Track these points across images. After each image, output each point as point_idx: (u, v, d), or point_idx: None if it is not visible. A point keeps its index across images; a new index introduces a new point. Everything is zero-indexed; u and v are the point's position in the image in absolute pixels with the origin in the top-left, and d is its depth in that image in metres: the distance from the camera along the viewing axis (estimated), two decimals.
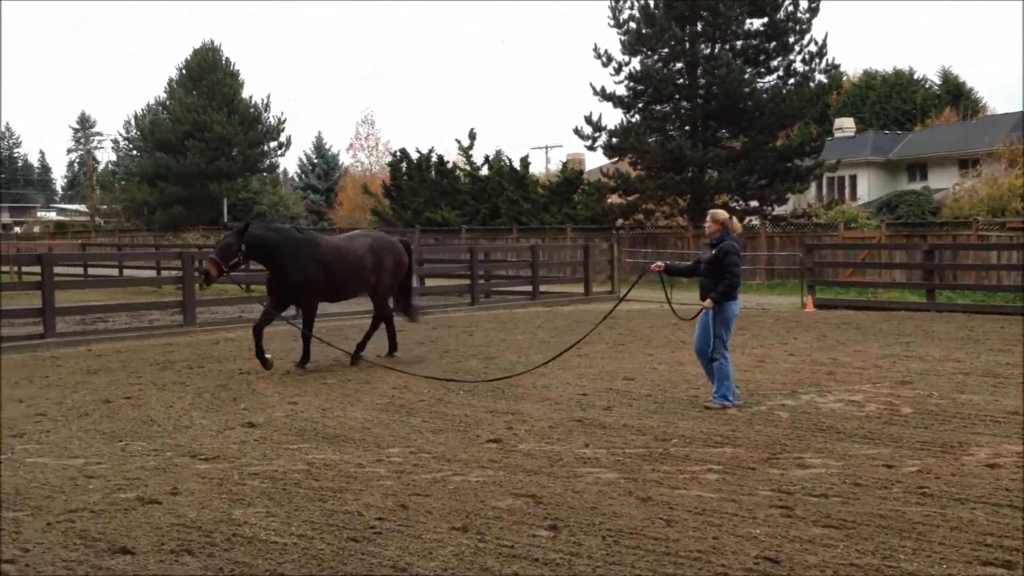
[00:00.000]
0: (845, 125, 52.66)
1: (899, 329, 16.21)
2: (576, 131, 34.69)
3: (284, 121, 61.36)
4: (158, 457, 7.58)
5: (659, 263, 10.03)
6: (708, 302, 9.34)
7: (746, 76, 32.66)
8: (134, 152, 67.83)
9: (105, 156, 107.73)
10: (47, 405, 9.84)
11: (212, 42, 60.71)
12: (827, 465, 7.12)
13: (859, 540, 5.43)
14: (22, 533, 5.69)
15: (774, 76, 34.55)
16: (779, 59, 34.24)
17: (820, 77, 34.26)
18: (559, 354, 11.62)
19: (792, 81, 34.00)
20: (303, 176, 71.50)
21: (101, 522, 5.89)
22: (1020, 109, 50.58)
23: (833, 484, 6.59)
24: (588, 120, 34.41)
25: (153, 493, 6.50)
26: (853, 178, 47.60)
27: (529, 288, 24.09)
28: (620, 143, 34.27)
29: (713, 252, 9.44)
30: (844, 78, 59.85)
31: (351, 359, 12.59)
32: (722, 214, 9.68)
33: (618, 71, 34.48)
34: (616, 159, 36.82)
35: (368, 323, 13.64)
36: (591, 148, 35.29)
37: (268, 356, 11.83)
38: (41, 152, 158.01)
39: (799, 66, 34.09)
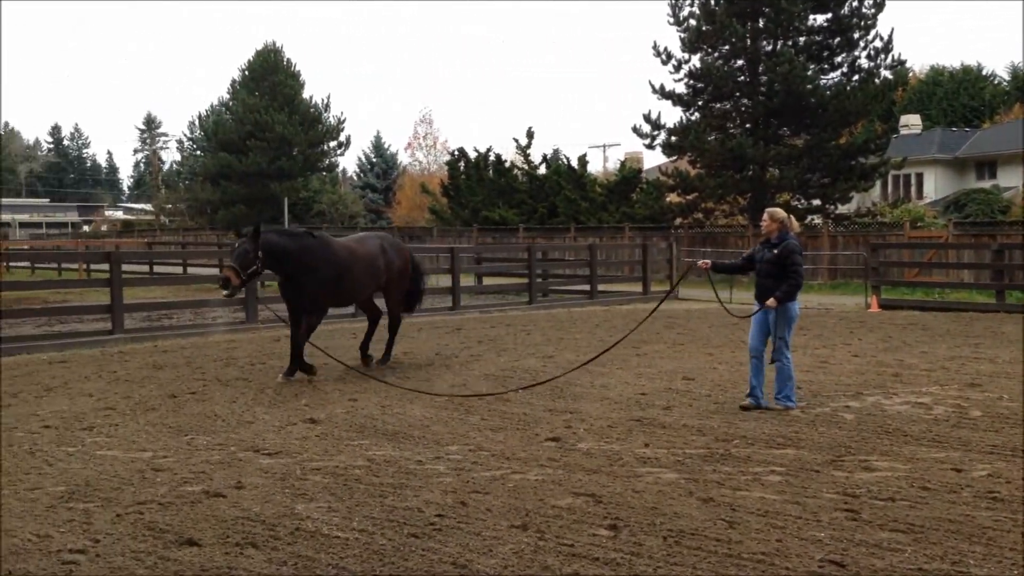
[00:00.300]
0: (911, 122, 51.59)
1: (967, 330, 15.83)
2: (635, 129, 34.53)
3: (344, 121, 61.91)
4: (222, 451, 7.71)
5: (705, 260, 9.91)
6: (772, 302, 9.17)
7: (809, 73, 32.19)
8: (198, 152, 69.15)
9: (170, 156, 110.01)
10: (115, 399, 10.07)
11: (274, 43, 61.68)
12: (894, 468, 6.98)
13: (927, 545, 5.31)
14: (92, 524, 5.82)
15: (838, 73, 34.01)
16: (843, 55, 33.69)
17: (886, 73, 33.61)
18: (583, 363, 11.56)
19: (856, 78, 33.41)
20: (362, 175, 72.23)
21: (168, 514, 6.00)
22: None
23: (900, 488, 6.45)
24: (647, 118, 34.23)
25: (218, 486, 6.61)
26: (919, 176, 46.62)
27: (587, 287, 24.02)
28: (679, 141, 34.01)
29: (775, 251, 9.29)
30: (910, 74, 58.50)
31: (382, 361, 12.46)
32: (780, 212, 9.54)
33: (678, 69, 34.24)
34: (675, 157, 36.55)
35: (364, 325, 13.27)
36: (650, 147, 35.09)
37: (309, 363, 11.43)
38: (109, 152, 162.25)
39: (864, 62, 33.52)
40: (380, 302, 13.11)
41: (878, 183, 38.79)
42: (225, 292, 10.88)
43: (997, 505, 6.02)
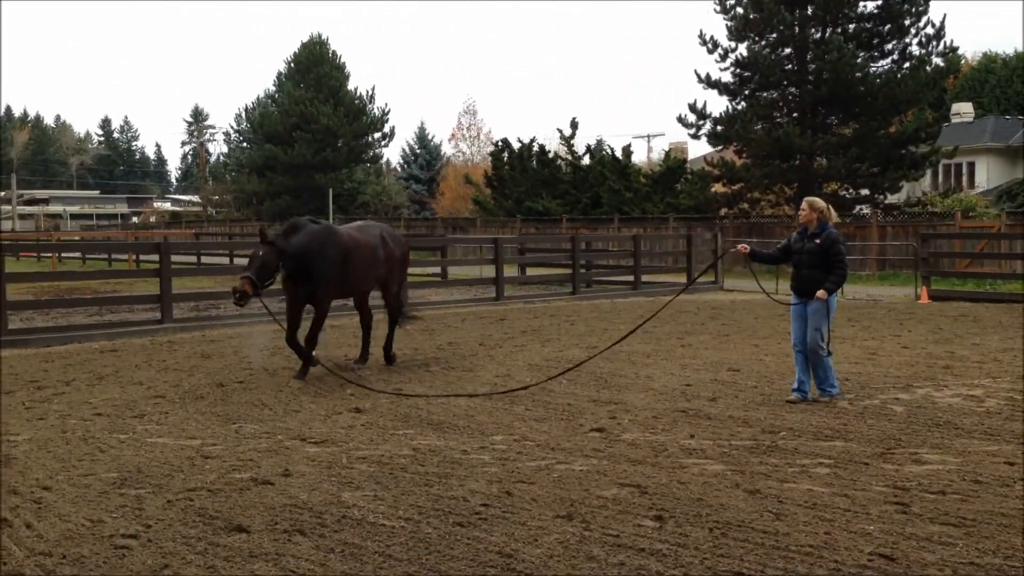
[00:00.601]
0: (963, 110, 50.55)
1: (1020, 322, 15.50)
2: (679, 119, 34.30)
3: (388, 112, 62.14)
4: (270, 440, 7.80)
5: (744, 244, 9.74)
6: (821, 294, 9.01)
7: (858, 60, 31.69)
8: (244, 144, 69.79)
9: (217, 148, 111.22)
10: (165, 388, 10.22)
11: (319, 35, 62.00)
12: (945, 461, 6.86)
13: (979, 539, 5.22)
14: (144, 510, 5.92)
15: (888, 60, 33.50)
16: (894, 42, 33.14)
17: (937, 60, 33.02)
18: (589, 358, 11.50)
19: (907, 65, 32.87)
20: (406, 166, 72.53)
21: (217, 501, 6.09)
22: None
23: (951, 481, 6.35)
24: (692, 108, 33.97)
25: (266, 474, 6.69)
26: (971, 165, 45.70)
27: (631, 278, 23.91)
28: (725, 131, 33.72)
29: (817, 242, 9.14)
30: (963, 61, 57.44)
31: (386, 360, 11.80)
32: (820, 202, 9.40)
33: (724, 57, 33.93)
34: (721, 147, 36.23)
35: (355, 322, 12.92)
36: (695, 136, 34.84)
37: (314, 354, 10.89)
38: (157, 145, 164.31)
39: (915, 49, 32.98)
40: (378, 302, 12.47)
41: (928, 172, 38.13)
42: (240, 305, 10.40)
43: None
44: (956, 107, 50.95)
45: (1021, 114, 52.02)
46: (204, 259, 34.33)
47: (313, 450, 7.43)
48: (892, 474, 6.55)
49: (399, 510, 5.89)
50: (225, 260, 33.95)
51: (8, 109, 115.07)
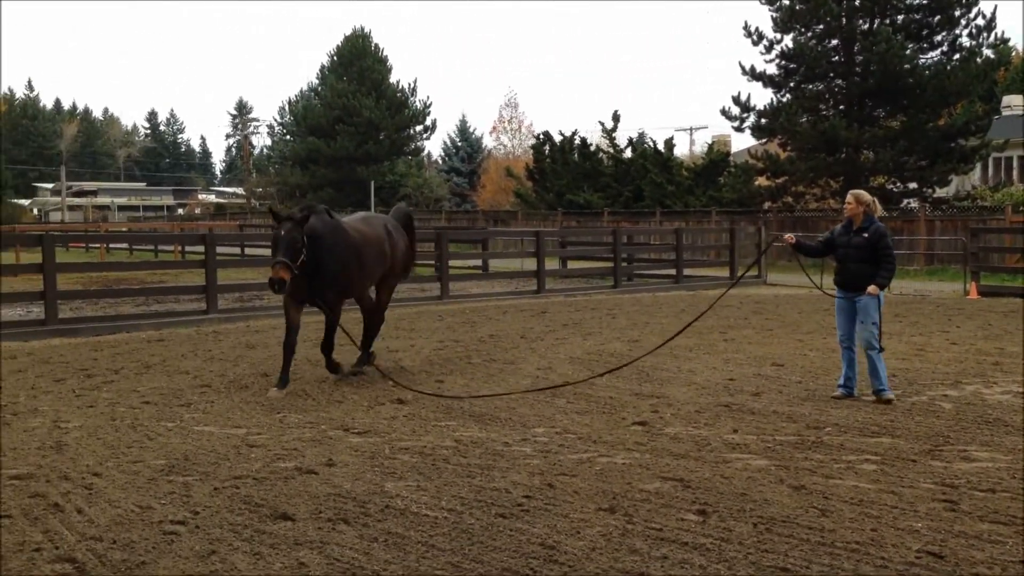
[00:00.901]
0: (1014, 103, 49.46)
1: None
2: (723, 112, 34.00)
3: (430, 105, 62.35)
4: (313, 429, 7.87)
5: (790, 235, 9.58)
6: (873, 289, 8.86)
7: (907, 52, 31.17)
8: (288, 137, 70.44)
9: (261, 141, 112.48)
10: (211, 377, 10.36)
11: (362, 28, 62.33)
12: (994, 459, 6.75)
13: None
14: (192, 496, 6.01)
15: (937, 52, 32.94)
16: (943, 33, 32.56)
17: (988, 52, 32.43)
18: (631, 361, 11.42)
19: (957, 57, 32.26)
20: (447, 159, 72.70)
21: (263, 489, 6.16)
22: None
23: (1001, 479, 6.24)
24: (736, 100, 33.67)
25: (310, 463, 6.75)
26: (1022, 159, 44.79)
27: (673, 271, 23.78)
28: (770, 123, 33.37)
29: (865, 236, 9.00)
30: (1013, 53, 56.26)
31: (356, 366, 10.64)
32: (866, 195, 9.25)
33: (769, 49, 33.56)
34: (765, 140, 35.86)
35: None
36: (739, 129, 34.48)
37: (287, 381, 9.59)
38: (202, 138, 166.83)
39: (965, 40, 32.38)
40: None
41: (978, 166, 37.43)
42: (280, 293, 9.47)
43: None
44: (1007, 100, 49.87)
45: None
46: (248, 250, 34.65)
47: (356, 440, 7.48)
48: (940, 471, 6.45)
49: (442, 501, 5.91)
50: (269, 252, 34.29)
51: (58, 102, 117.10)
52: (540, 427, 7.94)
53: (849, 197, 9.30)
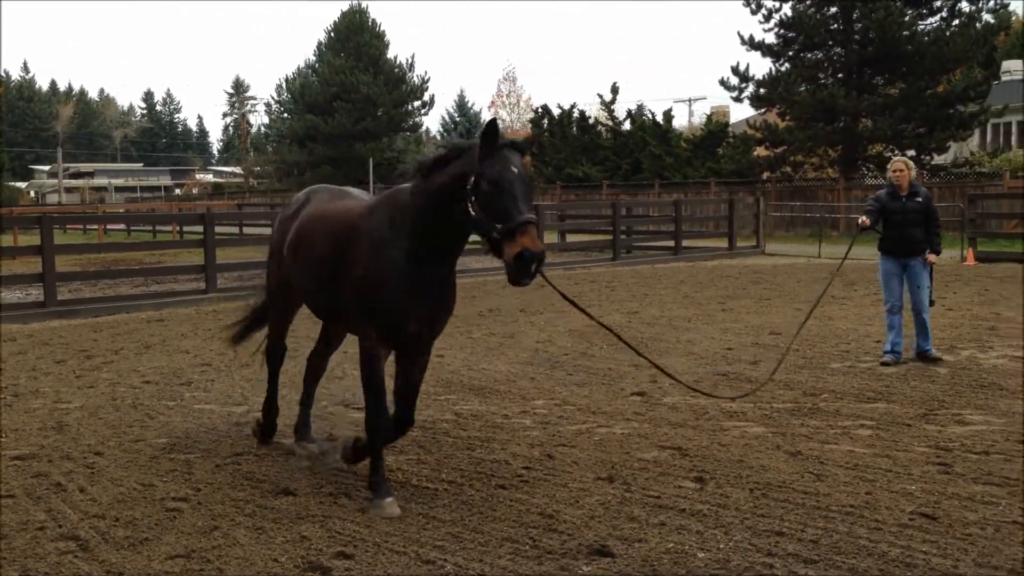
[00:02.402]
0: (1013, 68, 49.23)
1: None
2: (722, 82, 33.85)
3: (428, 80, 62.03)
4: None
5: (864, 218, 9.19)
6: (934, 257, 9.03)
7: (906, 18, 30.98)
8: (285, 115, 70.14)
9: (258, 119, 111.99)
10: (211, 356, 10.41)
11: (359, 4, 61.91)
12: (988, 422, 6.80)
13: (1023, 498, 5.18)
14: (193, 474, 6.07)
15: (936, 17, 32.71)
16: None
17: (987, 17, 32.26)
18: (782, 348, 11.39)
19: (956, 22, 32.06)
20: (446, 134, 72.54)
21: (264, 465, 6.22)
22: None
23: (995, 441, 6.30)
24: (735, 70, 33.50)
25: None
26: (1021, 124, 44.64)
27: (671, 243, 23.78)
28: (768, 93, 33.23)
29: (919, 200, 9.11)
30: (1013, 18, 55.89)
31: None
32: (910, 161, 9.43)
33: (768, 18, 33.37)
34: (764, 110, 35.73)
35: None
36: (737, 99, 34.32)
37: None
38: (199, 117, 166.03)
39: (964, 6, 32.20)
40: None
41: (977, 132, 37.32)
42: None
43: None
44: (1006, 65, 49.56)
45: None
46: (247, 229, 34.67)
47: (357, 415, 7.52)
48: (935, 435, 6.51)
49: (442, 473, 5.97)
50: (267, 231, 34.30)
51: (53, 83, 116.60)
52: (539, 399, 8.00)
53: (899, 164, 9.32)
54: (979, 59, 34.34)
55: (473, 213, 4.98)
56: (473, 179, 4.99)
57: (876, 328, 10.82)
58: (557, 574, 4.43)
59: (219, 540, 4.91)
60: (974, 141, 39.05)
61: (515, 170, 5.00)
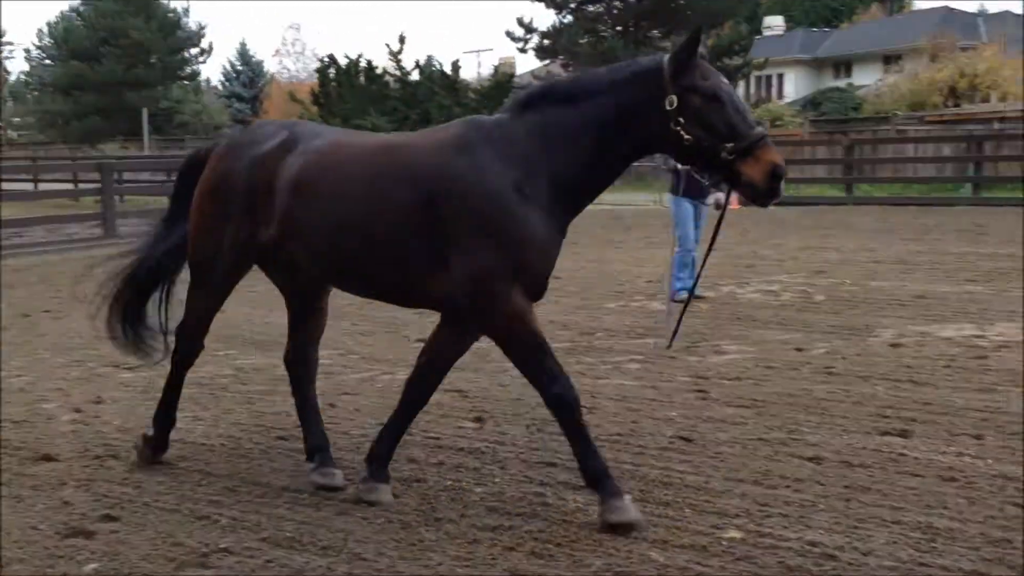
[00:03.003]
0: (774, 23, 52.64)
1: (818, 223, 16.61)
2: (508, 34, 34.30)
3: (205, 27, 59.20)
4: (80, 368, 7.53)
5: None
6: (721, 197, 9.34)
7: None
8: (47, 61, 65.03)
9: (17, 67, 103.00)
10: None
11: None
12: (742, 351, 7.37)
13: (767, 417, 5.69)
14: None
15: None
16: None
17: None
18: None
19: None
20: (227, 84, 69.37)
21: (23, 431, 5.87)
22: (944, 3, 51.02)
23: (746, 368, 6.84)
24: (520, 22, 33.98)
25: (76, 403, 6.49)
26: (780, 76, 47.87)
27: None
28: (552, 44, 33.96)
29: None
30: None
31: None
32: None
33: None
34: (548, 61, 36.46)
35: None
36: (523, 51, 34.95)
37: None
38: None
39: None
40: None
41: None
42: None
43: (832, 379, 6.48)
44: (768, 20, 52.95)
45: (828, 27, 54.67)
46: (6, 185, 32.06)
47: (127, 376, 7.21)
48: (695, 365, 6.99)
49: (219, 428, 5.86)
50: (29, 186, 31.88)
51: None
52: (324, 349, 7.86)
53: None
54: (744, 15, 36.45)
55: (687, 136, 4.23)
56: (674, 98, 4.21)
57: (648, 269, 11.40)
58: (335, 519, 4.47)
59: None
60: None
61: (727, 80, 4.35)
